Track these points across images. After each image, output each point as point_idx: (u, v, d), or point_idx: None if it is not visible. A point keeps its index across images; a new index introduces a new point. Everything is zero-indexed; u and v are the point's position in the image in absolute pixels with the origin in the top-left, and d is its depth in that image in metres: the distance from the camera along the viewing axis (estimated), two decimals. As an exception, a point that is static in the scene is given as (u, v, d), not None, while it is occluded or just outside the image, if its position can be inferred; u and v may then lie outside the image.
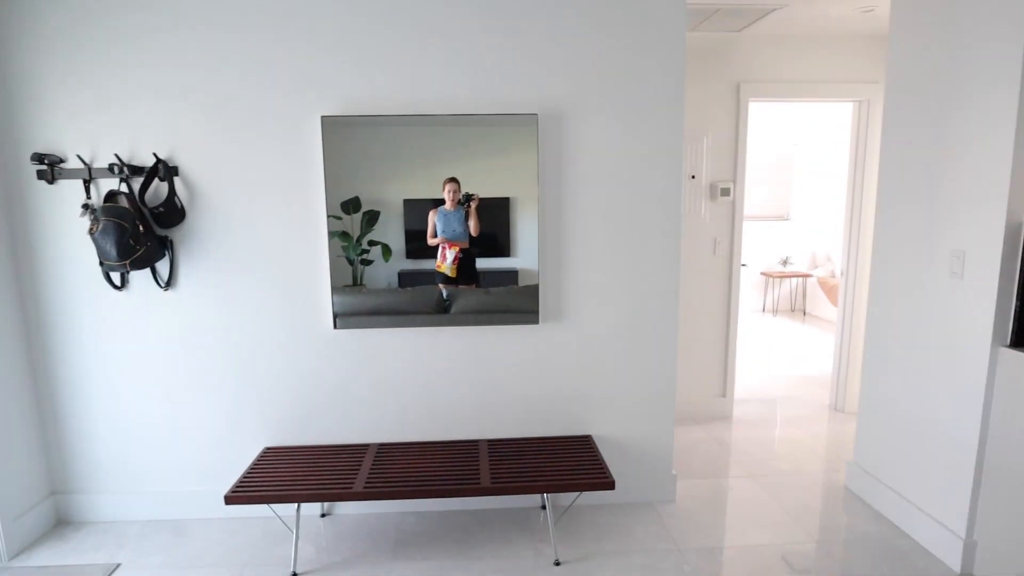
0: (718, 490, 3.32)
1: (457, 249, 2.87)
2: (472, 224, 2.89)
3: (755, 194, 8.27)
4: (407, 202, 2.86)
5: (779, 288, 8.57)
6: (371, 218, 2.86)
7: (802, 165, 8.32)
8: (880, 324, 3.04)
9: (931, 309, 2.69)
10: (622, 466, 3.18)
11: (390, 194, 2.85)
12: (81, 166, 2.78)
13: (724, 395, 4.42)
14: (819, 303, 8.05)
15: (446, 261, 2.88)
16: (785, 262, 8.44)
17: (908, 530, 2.85)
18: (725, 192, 4.13)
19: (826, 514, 3.05)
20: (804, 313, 8.41)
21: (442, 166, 2.84)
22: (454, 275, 2.90)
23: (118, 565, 2.71)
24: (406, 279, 2.92)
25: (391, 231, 2.88)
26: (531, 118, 2.81)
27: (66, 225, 2.83)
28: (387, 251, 2.89)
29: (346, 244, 2.87)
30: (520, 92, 2.85)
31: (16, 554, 2.79)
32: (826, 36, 4.10)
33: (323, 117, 2.76)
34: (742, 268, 8.04)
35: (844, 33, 4.07)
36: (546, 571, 2.62)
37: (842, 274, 4.42)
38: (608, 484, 2.62)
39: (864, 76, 4.15)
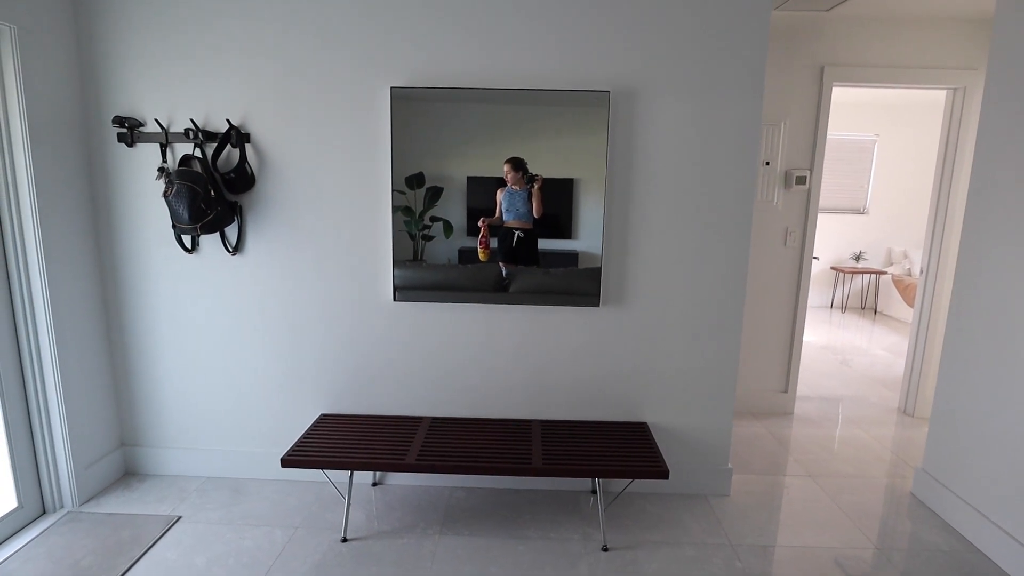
0: (774, 487, 3.22)
1: (485, 226, 2.84)
2: (535, 205, 2.84)
3: (830, 185, 7.92)
4: (471, 179, 2.84)
5: (850, 284, 8.23)
6: (434, 194, 2.85)
7: (883, 156, 7.90)
8: (964, 325, 2.86)
9: None
10: (676, 456, 3.11)
11: (454, 171, 2.83)
12: (159, 130, 2.86)
13: (786, 391, 4.28)
14: (893, 302, 7.68)
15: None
16: (858, 257, 8.07)
17: (980, 545, 2.69)
18: (801, 180, 3.96)
19: (888, 521, 2.92)
20: (875, 312, 8.05)
21: (507, 145, 2.79)
22: (484, 259, 2.87)
23: (179, 518, 2.82)
24: (466, 256, 2.90)
25: (453, 208, 2.86)
26: (603, 95, 2.74)
27: (143, 187, 2.93)
28: (448, 228, 2.87)
29: (408, 219, 2.87)
30: (593, 68, 2.77)
31: (86, 500, 2.94)
32: (921, 18, 3.84)
33: (392, 88, 2.76)
34: (813, 261, 7.78)
35: (941, 15, 3.80)
36: (594, 556, 2.59)
37: (921, 272, 4.19)
38: (662, 472, 2.56)
39: (960, 62, 3.88)
